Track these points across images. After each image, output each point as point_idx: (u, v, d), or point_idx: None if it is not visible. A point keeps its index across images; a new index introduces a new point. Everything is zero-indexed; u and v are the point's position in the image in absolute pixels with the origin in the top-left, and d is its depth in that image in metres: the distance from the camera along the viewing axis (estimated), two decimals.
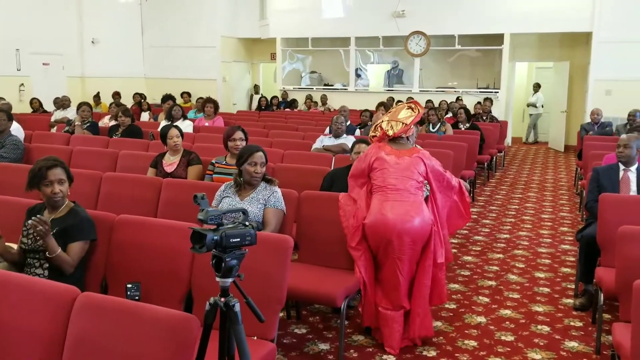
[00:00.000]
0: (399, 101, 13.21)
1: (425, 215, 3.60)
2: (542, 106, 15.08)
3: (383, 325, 3.69)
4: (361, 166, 3.79)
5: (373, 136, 3.91)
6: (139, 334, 2.05)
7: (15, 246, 3.09)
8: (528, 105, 15.19)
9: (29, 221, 2.95)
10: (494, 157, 10.10)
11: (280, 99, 14.96)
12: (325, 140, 6.88)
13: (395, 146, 3.76)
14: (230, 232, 1.99)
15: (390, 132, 3.75)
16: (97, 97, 13.08)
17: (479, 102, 12.06)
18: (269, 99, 14.75)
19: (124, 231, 3.20)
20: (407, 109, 3.84)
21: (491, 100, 12.10)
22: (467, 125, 9.52)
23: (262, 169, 3.82)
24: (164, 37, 15.33)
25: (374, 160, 3.72)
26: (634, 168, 4.72)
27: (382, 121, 3.85)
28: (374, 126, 3.95)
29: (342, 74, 15.20)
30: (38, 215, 2.93)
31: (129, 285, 2.89)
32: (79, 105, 8.03)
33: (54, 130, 8.76)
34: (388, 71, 15.10)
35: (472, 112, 11.78)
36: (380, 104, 9.81)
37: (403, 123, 3.75)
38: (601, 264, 4.06)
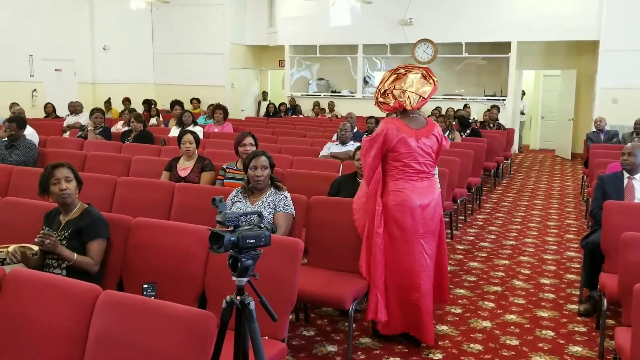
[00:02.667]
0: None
1: (438, 191, 3.82)
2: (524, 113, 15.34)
3: (414, 319, 3.72)
4: (374, 152, 3.61)
5: (382, 103, 3.70)
6: (159, 330, 2.15)
7: (36, 248, 3.19)
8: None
9: (36, 239, 3.04)
10: (501, 165, 10.17)
11: (288, 106, 15.10)
12: (332, 147, 6.97)
13: (412, 124, 3.65)
14: (246, 234, 2.09)
15: (409, 106, 3.60)
16: (108, 102, 13.25)
17: (487, 110, 12.13)
18: (276, 106, 14.89)
19: (140, 233, 3.31)
20: (422, 78, 3.65)
21: (498, 108, 12.18)
22: (468, 132, 9.57)
23: (264, 172, 3.87)
24: (173, 44, 15.52)
25: (396, 143, 3.58)
26: (638, 176, 4.77)
27: (394, 88, 3.62)
28: (382, 91, 3.69)
29: (350, 81, 15.32)
30: (43, 231, 3.03)
31: (145, 286, 2.99)
32: (92, 112, 8.18)
33: (66, 135, 8.90)
34: None
35: (481, 119, 11.90)
36: None
37: (421, 97, 3.61)
38: (605, 270, 4.13)
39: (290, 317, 4.05)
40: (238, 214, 2.11)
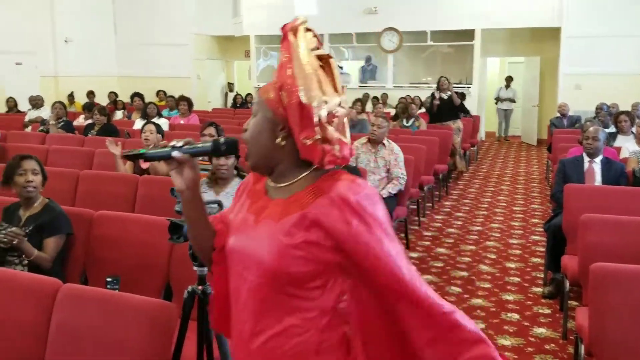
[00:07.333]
0: (374, 97, 13.30)
1: None
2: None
3: None
4: None
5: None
6: (120, 322, 2.12)
7: None
8: (502, 101, 14.70)
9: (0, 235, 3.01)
10: (467, 152, 10.28)
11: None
12: None
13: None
14: None
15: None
16: (70, 96, 12.98)
17: None
18: (243, 97, 14.78)
19: (103, 227, 3.27)
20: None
21: (464, 95, 12.29)
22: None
23: (227, 161, 3.84)
24: (136, 36, 15.21)
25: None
26: (598, 159, 4.86)
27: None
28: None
29: None
30: (8, 230, 3.00)
31: (109, 279, 2.93)
32: (53, 104, 8.01)
33: (28, 129, 8.71)
34: (362, 67, 15.21)
35: None
36: (357, 100, 9.95)
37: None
38: (567, 252, 4.21)
39: None
40: None
